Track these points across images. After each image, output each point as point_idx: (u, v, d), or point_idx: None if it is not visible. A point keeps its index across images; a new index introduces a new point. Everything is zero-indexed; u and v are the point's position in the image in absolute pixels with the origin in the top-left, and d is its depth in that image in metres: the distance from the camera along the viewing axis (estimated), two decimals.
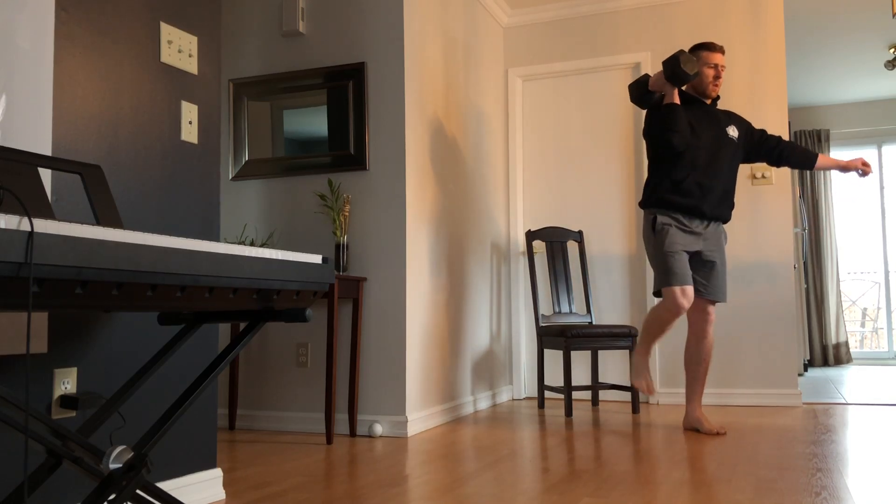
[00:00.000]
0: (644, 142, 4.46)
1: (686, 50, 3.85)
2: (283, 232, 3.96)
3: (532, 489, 2.47)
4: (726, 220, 3.68)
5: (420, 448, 3.29)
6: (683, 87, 3.67)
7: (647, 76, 3.61)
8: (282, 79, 4.01)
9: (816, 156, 3.76)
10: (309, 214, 3.91)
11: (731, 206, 3.68)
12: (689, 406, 3.68)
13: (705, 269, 3.63)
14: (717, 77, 3.62)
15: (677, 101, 3.55)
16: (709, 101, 3.69)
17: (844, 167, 3.74)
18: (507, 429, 3.79)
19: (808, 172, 7.91)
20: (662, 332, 3.61)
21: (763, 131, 3.78)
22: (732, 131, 3.67)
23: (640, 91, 3.59)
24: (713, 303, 3.63)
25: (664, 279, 3.52)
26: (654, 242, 3.59)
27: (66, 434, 1.48)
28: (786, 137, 4.64)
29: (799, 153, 3.74)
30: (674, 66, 3.42)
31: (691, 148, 3.55)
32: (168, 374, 2.29)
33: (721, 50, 3.62)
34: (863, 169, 3.73)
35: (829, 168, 3.79)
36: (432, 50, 4.12)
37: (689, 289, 3.50)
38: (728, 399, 4.61)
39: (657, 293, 3.61)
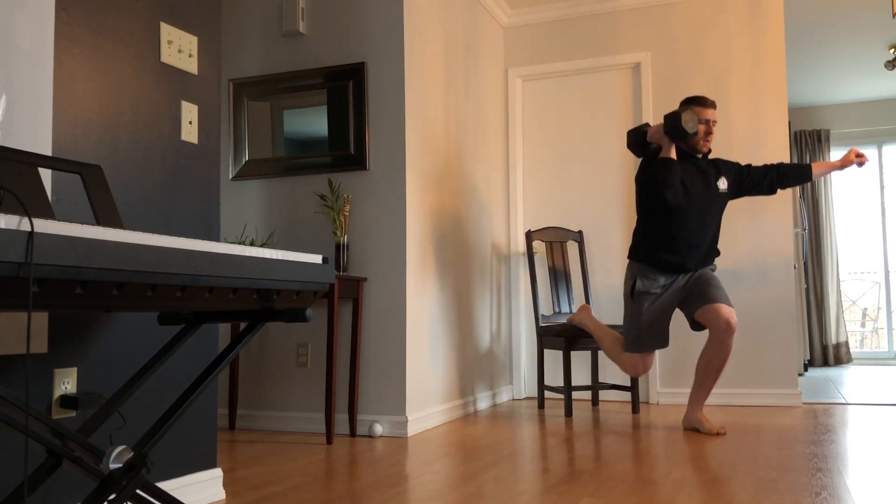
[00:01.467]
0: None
1: (681, 102, 3.81)
2: (283, 232, 3.96)
3: (532, 489, 2.47)
4: (708, 266, 3.73)
5: (420, 448, 3.29)
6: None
7: (647, 125, 3.64)
8: (282, 79, 4.01)
9: (810, 167, 3.77)
10: (309, 214, 3.91)
11: (716, 255, 3.75)
12: (690, 407, 3.68)
13: (705, 286, 3.58)
14: (708, 133, 3.63)
15: (674, 155, 3.57)
16: (700, 157, 3.70)
17: (841, 165, 3.76)
18: (507, 429, 3.79)
19: None
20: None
21: (750, 167, 3.77)
22: (722, 184, 3.69)
23: (638, 140, 3.64)
24: (731, 308, 3.48)
25: (631, 344, 3.68)
26: (631, 307, 3.68)
27: (66, 434, 1.48)
28: (785, 138, 4.64)
29: (792, 172, 3.76)
30: (674, 121, 3.45)
31: (681, 206, 3.57)
32: (168, 374, 2.29)
33: (713, 105, 3.64)
34: (858, 160, 3.73)
35: (827, 172, 3.81)
36: (432, 50, 4.12)
37: (651, 358, 3.69)
38: (728, 399, 4.61)
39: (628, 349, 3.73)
